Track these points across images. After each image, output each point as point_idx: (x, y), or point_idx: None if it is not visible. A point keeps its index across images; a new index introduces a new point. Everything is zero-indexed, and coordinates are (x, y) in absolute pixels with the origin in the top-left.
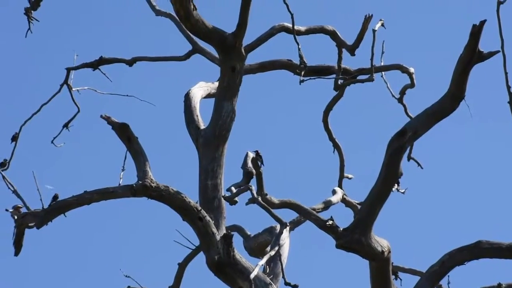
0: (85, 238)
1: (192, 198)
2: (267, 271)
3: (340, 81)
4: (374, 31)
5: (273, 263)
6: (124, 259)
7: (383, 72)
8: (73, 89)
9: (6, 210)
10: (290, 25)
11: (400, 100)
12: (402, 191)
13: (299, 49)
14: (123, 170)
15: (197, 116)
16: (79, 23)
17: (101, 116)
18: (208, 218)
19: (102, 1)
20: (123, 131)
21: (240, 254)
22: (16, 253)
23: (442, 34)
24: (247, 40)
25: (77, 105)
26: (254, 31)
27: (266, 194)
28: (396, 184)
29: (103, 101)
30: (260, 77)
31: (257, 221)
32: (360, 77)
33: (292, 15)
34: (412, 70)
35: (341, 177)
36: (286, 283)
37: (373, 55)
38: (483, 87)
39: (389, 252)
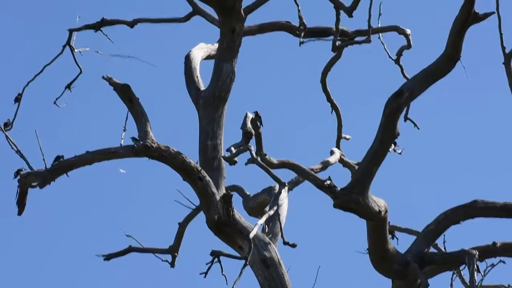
0: (87, 199)
1: (193, 158)
2: (266, 230)
3: (338, 43)
4: None
5: (272, 223)
6: (125, 219)
7: (380, 34)
8: (75, 50)
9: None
10: None
11: (397, 61)
12: (399, 151)
13: (298, 10)
14: (124, 130)
15: (197, 77)
16: None
17: (103, 77)
18: (208, 178)
19: None
20: (124, 92)
21: (240, 213)
22: (20, 212)
23: None
24: (246, 1)
25: (79, 66)
26: None
27: (265, 155)
28: (393, 145)
29: (104, 62)
30: (260, 39)
31: (256, 181)
32: (357, 39)
33: None
34: (408, 31)
35: (339, 137)
36: (285, 243)
37: (370, 16)
38: (479, 48)
39: (386, 211)
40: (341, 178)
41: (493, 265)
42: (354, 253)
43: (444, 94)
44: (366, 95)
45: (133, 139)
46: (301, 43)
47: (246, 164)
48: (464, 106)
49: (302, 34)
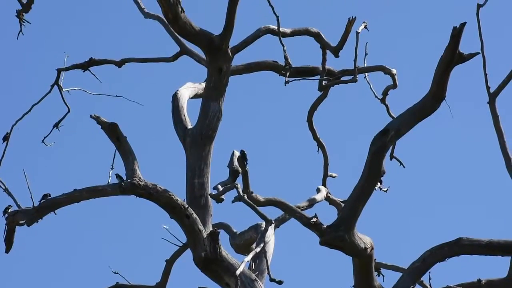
0: (74, 236)
1: (180, 196)
2: (253, 267)
3: (324, 82)
4: (357, 33)
5: (259, 260)
6: (112, 256)
7: (366, 73)
8: (64, 89)
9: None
10: (276, 27)
11: (382, 100)
12: (385, 189)
13: (284, 50)
14: (112, 168)
15: (184, 116)
16: (69, 25)
17: (91, 116)
18: (195, 215)
19: (92, 4)
20: (112, 130)
21: (226, 251)
22: (7, 250)
23: (424, 36)
24: (233, 41)
25: (67, 105)
26: (240, 33)
27: (252, 192)
28: (378, 183)
29: (93, 101)
30: (247, 78)
31: (243, 218)
32: (343, 78)
33: (277, 17)
34: (394, 71)
35: (325, 175)
36: (271, 279)
37: (357, 56)
38: (464, 87)
39: (372, 248)
40: (327, 216)
41: None
42: None
43: (430, 132)
44: (353, 133)
45: (117, 176)
46: (286, 82)
47: (233, 201)
48: (449, 145)
49: (288, 73)
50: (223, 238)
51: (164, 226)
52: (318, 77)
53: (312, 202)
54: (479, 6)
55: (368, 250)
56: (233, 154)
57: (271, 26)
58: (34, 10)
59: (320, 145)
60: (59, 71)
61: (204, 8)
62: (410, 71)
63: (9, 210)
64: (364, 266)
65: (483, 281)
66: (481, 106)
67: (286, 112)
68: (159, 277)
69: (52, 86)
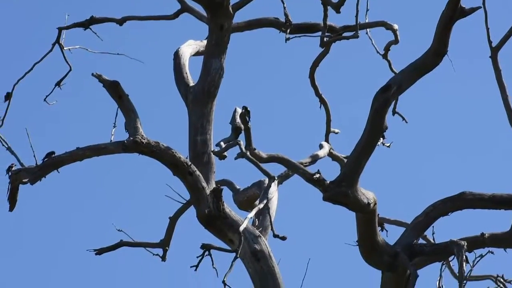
0: (78, 195)
1: (183, 153)
2: (256, 224)
3: (325, 38)
4: None
5: (262, 216)
6: (116, 214)
7: (368, 29)
8: (65, 48)
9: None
10: None
11: (384, 56)
12: (387, 145)
13: (284, 7)
14: (114, 127)
15: (186, 73)
16: None
17: (93, 75)
18: (198, 172)
19: None
20: (114, 89)
21: (230, 207)
22: (11, 208)
23: None
24: None
25: (69, 64)
26: None
27: (255, 149)
28: (381, 138)
29: (94, 60)
30: (248, 35)
31: (246, 175)
32: (345, 34)
33: None
34: (396, 26)
35: (328, 131)
36: (275, 235)
37: (358, 12)
38: (466, 42)
39: (375, 204)
40: (330, 172)
41: (481, 256)
42: (344, 246)
43: (432, 88)
44: (355, 90)
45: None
46: (287, 39)
47: (235, 158)
48: (452, 99)
49: (288, 30)
50: (226, 195)
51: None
52: (320, 33)
53: (315, 158)
54: None
55: (371, 205)
56: (235, 111)
57: None
58: None
59: (322, 101)
60: (60, 29)
61: None
62: (412, 26)
63: (12, 169)
64: (368, 221)
65: (486, 235)
66: (483, 61)
67: (288, 69)
68: (163, 234)
69: (54, 44)
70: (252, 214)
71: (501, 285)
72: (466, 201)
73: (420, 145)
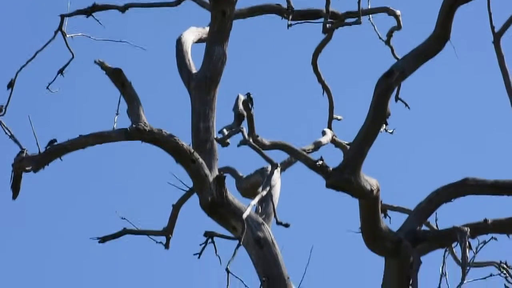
0: (81, 182)
1: (185, 141)
2: (259, 211)
3: (328, 25)
4: None
5: (265, 203)
6: (119, 202)
7: (370, 15)
8: (67, 35)
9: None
10: None
11: (387, 42)
12: (390, 131)
13: None
14: (117, 114)
15: (188, 60)
16: None
17: (95, 62)
18: (200, 160)
19: None
20: (116, 76)
21: (233, 195)
22: (14, 196)
23: None
24: None
25: (71, 51)
26: None
27: (257, 136)
28: (384, 125)
29: (97, 47)
30: (251, 22)
31: (249, 162)
32: (348, 20)
33: None
34: (398, 12)
35: (331, 118)
36: (278, 223)
37: None
38: (469, 28)
39: (378, 190)
40: (333, 158)
41: (485, 242)
42: (347, 232)
43: (435, 74)
44: (357, 76)
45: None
46: (289, 25)
47: (238, 145)
48: (454, 86)
49: (290, 16)
50: (229, 182)
51: (170, 172)
52: (322, 20)
53: (317, 145)
54: None
55: (375, 192)
56: (238, 97)
57: None
58: None
59: (325, 88)
60: (62, 17)
61: None
62: (414, 12)
63: (23, 155)
64: (371, 208)
65: (489, 221)
66: (486, 46)
67: (291, 56)
68: (166, 222)
69: (56, 32)
70: (255, 201)
71: (504, 272)
72: (469, 187)
73: (423, 132)
